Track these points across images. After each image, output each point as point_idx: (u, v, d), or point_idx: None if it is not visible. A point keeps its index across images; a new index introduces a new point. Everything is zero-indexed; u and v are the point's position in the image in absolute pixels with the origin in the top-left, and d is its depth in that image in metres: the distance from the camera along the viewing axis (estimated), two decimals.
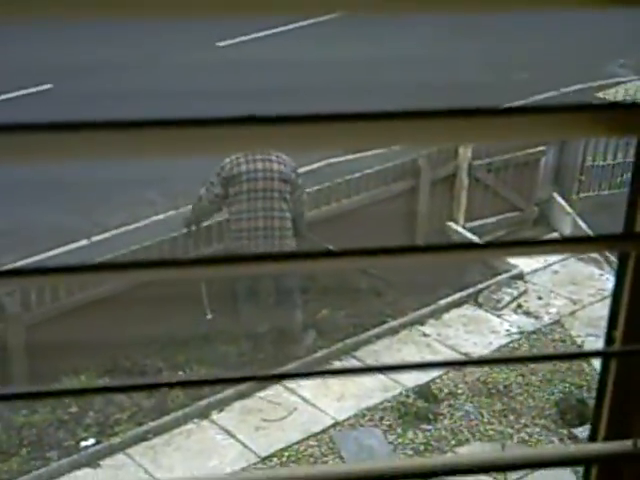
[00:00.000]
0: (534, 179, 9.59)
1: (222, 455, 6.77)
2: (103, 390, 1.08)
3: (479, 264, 8.83)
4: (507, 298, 8.48)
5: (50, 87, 11.87)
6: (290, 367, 7.52)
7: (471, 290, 8.48)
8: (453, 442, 6.97)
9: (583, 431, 7.02)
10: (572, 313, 8.36)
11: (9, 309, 7.13)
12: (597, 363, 7.60)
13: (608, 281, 8.58)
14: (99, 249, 8.44)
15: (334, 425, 7.08)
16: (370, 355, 7.80)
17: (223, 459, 6.73)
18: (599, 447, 1.16)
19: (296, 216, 7.68)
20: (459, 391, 7.46)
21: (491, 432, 7.08)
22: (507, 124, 0.92)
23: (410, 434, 7.03)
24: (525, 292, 8.56)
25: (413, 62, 12.00)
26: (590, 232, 9.14)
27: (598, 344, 7.74)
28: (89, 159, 0.86)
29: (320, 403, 7.26)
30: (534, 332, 8.12)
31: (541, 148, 9.50)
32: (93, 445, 6.75)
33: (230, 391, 7.21)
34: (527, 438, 7.04)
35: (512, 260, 8.87)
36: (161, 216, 9.27)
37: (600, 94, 11.60)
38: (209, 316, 7.69)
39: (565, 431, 7.10)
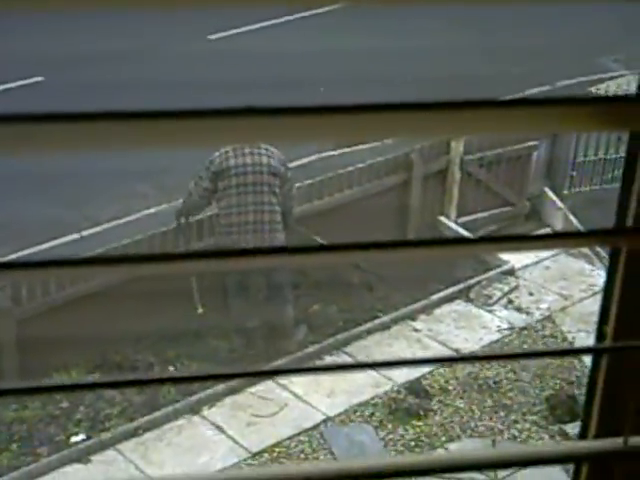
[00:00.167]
0: (526, 174, 9.59)
1: (213, 451, 6.76)
2: (94, 386, 1.06)
3: (470, 259, 8.82)
4: (498, 294, 8.48)
5: (42, 79, 11.82)
6: (281, 362, 7.52)
7: (462, 285, 8.48)
8: (444, 438, 6.97)
9: (574, 427, 7.02)
10: (563, 309, 8.36)
11: (0, 303, 7.11)
12: (588, 359, 7.60)
13: (599, 277, 8.59)
14: (90, 243, 8.41)
15: (325, 421, 7.07)
16: (361, 350, 7.79)
17: (214, 455, 6.72)
18: (589, 445, 1.15)
19: (285, 210, 7.67)
20: (450, 387, 7.46)
21: (482, 428, 7.08)
22: (504, 116, 0.91)
23: (401, 430, 7.03)
24: (516, 288, 8.56)
25: (410, 54, 11.98)
26: (581, 227, 9.15)
27: (589, 340, 7.75)
28: (84, 150, 0.85)
29: (311, 399, 7.25)
30: (525, 328, 8.12)
31: (533, 143, 9.50)
32: (84, 440, 6.74)
33: (221, 386, 7.19)
34: (517, 434, 7.04)
35: (503, 256, 8.87)
36: (153, 210, 9.25)
37: (593, 88, 11.61)
38: (200, 310, 7.67)
39: (555, 427, 7.10)
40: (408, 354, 7.79)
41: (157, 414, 6.94)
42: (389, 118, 0.88)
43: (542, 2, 0.92)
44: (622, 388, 1.12)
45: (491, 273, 8.65)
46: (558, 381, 7.57)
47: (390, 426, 7.06)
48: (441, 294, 8.37)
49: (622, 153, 9.67)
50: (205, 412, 7.10)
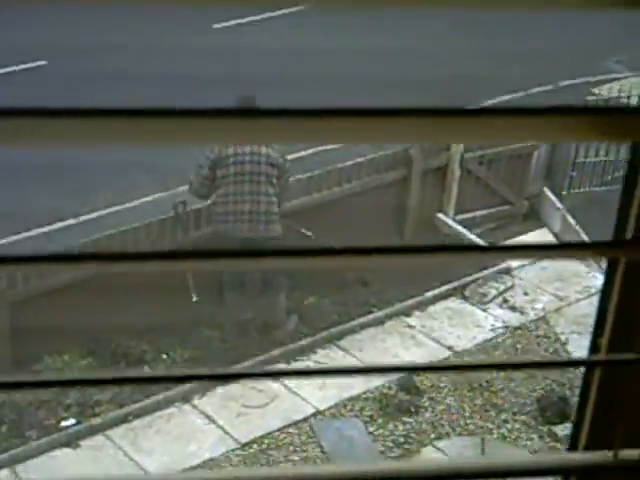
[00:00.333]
0: (525, 173, 9.57)
1: (201, 440, 6.75)
2: (84, 382, 1.05)
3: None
4: (493, 292, 8.47)
5: (44, 64, 11.78)
6: (274, 353, 7.52)
7: (458, 283, 8.47)
8: (433, 435, 6.97)
9: (563, 429, 7.02)
10: (557, 310, 8.35)
11: None
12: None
13: (595, 278, 8.58)
14: (87, 229, 8.40)
15: (315, 414, 7.07)
16: (354, 345, 7.79)
17: (202, 444, 6.72)
18: (579, 457, 1.13)
19: (281, 201, 7.66)
20: (441, 384, 7.45)
21: (471, 426, 7.08)
22: (505, 125, 0.90)
23: (390, 426, 7.02)
24: (512, 287, 8.56)
25: (413, 54, 11.96)
26: (579, 229, 9.14)
27: (582, 341, 7.74)
28: (89, 145, 0.84)
29: (302, 391, 7.24)
30: (519, 327, 8.12)
31: (533, 142, 9.47)
32: (73, 425, 6.73)
33: None
34: (507, 434, 7.04)
35: None
36: (150, 198, 9.22)
37: (596, 89, 11.59)
38: (195, 298, 7.65)
39: (545, 428, 7.10)
40: (401, 350, 7.78)
41: (148, 401, 6.94)
42: (393, 122, 0.87)
43: (547, 9, 0.91)
44: (614, 401, 1.11)
45: (487, 272, 8.64)
46: (549, 382, 7.56)
47: (380, 421, 7.06)
48: (436, 291, 8.36)
49: (622, 155, 9.66)
50: (196, 401, 7.10)
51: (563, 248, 1.01)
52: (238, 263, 1.02)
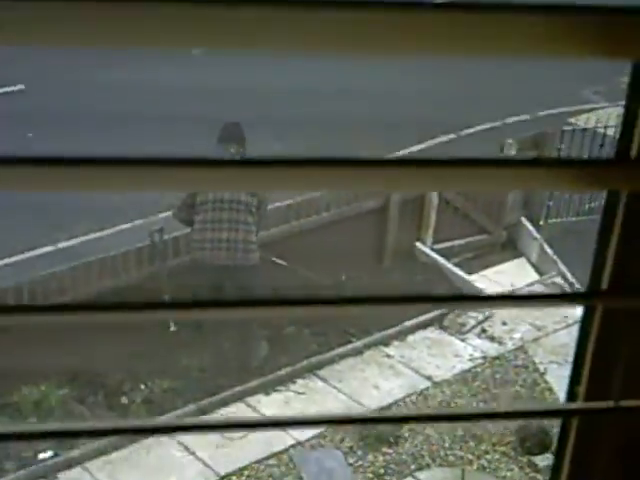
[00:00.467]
0: (503, 203, 9.62)
1: (181, 473, 6.70)
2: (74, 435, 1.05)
3: (445, 286, 8.83)
4: (472, 322, 8.48)
5: (23, 87, 11.77)
6: (253, 384, 7.49)
7: (436, 312, 8.47)
8: (413, 466, 6.95)
9: (543, 459, 7.03)
10: (536, 339, 8.37)
11: None
12: (559, 391, 7.62)
13: (573, 309, 8.61)
14: (65, 256, 8.36)
15: (295, 445, 7.04)
16: (334, 375, 7.77)
17: (182, 477, 6.67)
18: None
19: (260, 230, 7.67)
20: None
21: (451, 457, 7.07)
22: (493, 175, 0.91)
23: (370, 457, 7.00)
24: (490, 317, 8.57)
25: (395, 92, 12.03)
26: (556, 258, 9.18)
27: (560, 371, 7.76)
28: (80, 191, 0.84)
29: None
30: (497, 357, 8.13)
31: None
32: (51, 457, 6.67)
33: (191, 407, 7.15)
34: (487, 464, 7.03)
35: (479, 284, 8.89)
36: (128, 225, 9.20)
37: (573, 119, 11.68)
38: (172, 328, 7.64)
39: (525, 459, 7.10)
40: (380, 380, 7.77)
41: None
42: (389, 173, 0.88)
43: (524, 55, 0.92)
44: (592, 451, 1.11)
45: None
46: None
47: (360, 452, 7.03)
48: (415, 321, 8.37)
49: None
50: None
51: (540, 298, 1.02)
52: (220, 312, 1.02)
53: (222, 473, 6.73)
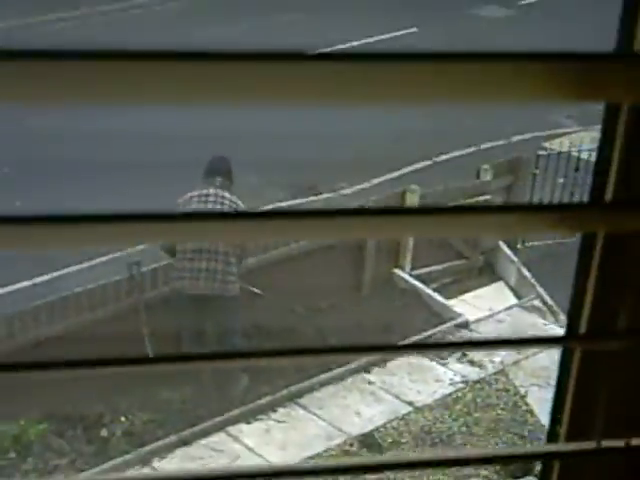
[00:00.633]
0: None
1: None
2: None
3: (424, 312, 8.85)
4: None
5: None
6: (234, 413, 7.47)
7: (416, 338, 8.48)
8: None
9: None
10: (516, 363, 8.39)
11: None
12: (541, 413, 7.64)
13: (552, 331, 8.65)
14: (43, 290, 8.33)
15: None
16: (314, 402, 7.76)
17: None
18: None
19: (241, 261, 7.68)
20: (403, 440, 7.44)
21: None
22: (477, 222, 0.92)
23: None
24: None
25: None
26: (534, 281, 9.22)
27: (541, 394, 7.79)
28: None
29: (263, 451, 7.19)
30: (478, 381, 8.14)
31: (487, 197, 9.58)
32: None
33: (172, 438, 7.12)
34: None
35: (457, 308, 8.91)
36: (105, 258, 9.17)
37: (547, 144, 11.77)
38: None
39: None
40: (362, 407, 7.77)
41: (106, 466, 6.84)
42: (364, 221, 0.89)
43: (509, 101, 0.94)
44: None
45: (445, 326, 8.68)
46: (510, 435, 7.59)
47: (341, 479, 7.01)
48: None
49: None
50: (155, 464, 7.02)
51: (520, 342, 1.04)
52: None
53: None
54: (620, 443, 1.05)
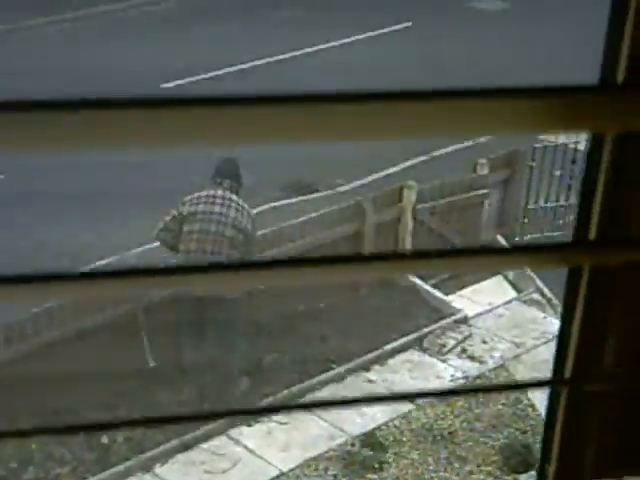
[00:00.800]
0: (478, 222, 9.65)
1: None
2: None
3: (424, 309, 8.83)
4: (452, 342, 8.49)
5: None
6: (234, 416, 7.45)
7: (416, 334, 8.47)
8: None
9: (528, 477, 7.03)
10: (516, 357, 8.38)
11: None
12: (542, 407, 7.62)
13: (551, 324, 8.64)
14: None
15: (279, 476, 7.00)
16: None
17: None
18: None
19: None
20: (404, 439, 7.43)
21: None
22: (484, 262, 0.90)
23: None
24: (469, 336, 8.58)
25: None
26: (533, 275, 9.20)
27: (541, 390, 7.77)
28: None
29: (265, 453, 7.18)
30: (478, 377, 8.13)
31: (484, 191, 9.57)
32: None
33: (174, 442, 7.10)
34: None
35: (456, 304, 8.90)
36: (104, 261, 9.15)
37: (543, 136, 11.73)
38: (151, 364, 7.59)
39: (510, 478, 7.09)
40: (363, 405, 7.75)
41: (108, 473, 6.83)
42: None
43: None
44: None
45: (444, 322, 8.66)
46: (512, 430, 7.58)
47: None
48: (395, 344, 8.36)
49: (572, 200, 9.77)
50: (157, 469, 7.00)
51: (506, 387, 1.01)
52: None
53: None
54: None
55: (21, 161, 10.29)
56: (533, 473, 7.12)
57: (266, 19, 14.99)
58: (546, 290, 9.07)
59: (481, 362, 8.32)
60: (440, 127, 0.80)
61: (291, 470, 7.06)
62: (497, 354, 8.42)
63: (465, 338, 8.57)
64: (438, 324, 8.62)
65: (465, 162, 9.89)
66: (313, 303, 8.46)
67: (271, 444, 7.27)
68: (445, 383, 8.05)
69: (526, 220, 9.86)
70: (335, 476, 7.04)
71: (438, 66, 12.89)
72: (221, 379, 7.62)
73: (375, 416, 7.63)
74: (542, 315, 8.92)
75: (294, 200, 10.40)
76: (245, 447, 7.23)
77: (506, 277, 9.46)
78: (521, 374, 8.18)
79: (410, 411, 7.71)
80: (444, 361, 8.31)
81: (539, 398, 7.76)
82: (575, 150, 9.75)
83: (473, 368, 8.24)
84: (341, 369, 8.04)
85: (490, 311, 8.93)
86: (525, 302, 9.09)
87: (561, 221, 9.97)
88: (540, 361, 8.19)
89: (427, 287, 9.03)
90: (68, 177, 10.31)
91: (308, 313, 8.35)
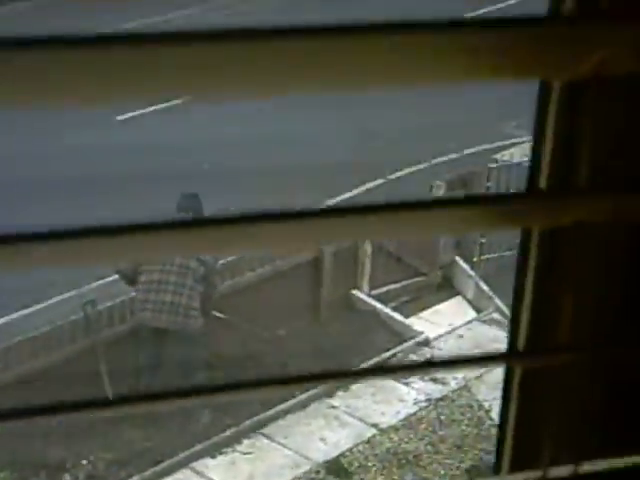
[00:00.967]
0: (436, 243, 9.67)
1: None
2: None
3: (384, 332, 8.84)
4: None
5: None
6: (198, 447, 7.40)
7: (378, 359, 8.46)
8: None
9: None
10: (478, 377, 8.39)
11: None
12: None
13: None
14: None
15: None
16: (280, 431, 7.71)
17: None
18: None
19: (206, 298, 7.64)
20: (369, 464, 7.40)
21: None
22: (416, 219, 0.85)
23: None
24: (431, 358, 8.58)
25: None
26: (492, 294, 9.24)
27: None
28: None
29: None
30: (441, 399, 8.13)
31: None
32: None
33: (135, 479, 7.03)
34: None
35: (417, 326, 8.91)
36: (60, 297, 9.06)
37: (498, 155, 11.80)
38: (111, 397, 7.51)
39: None
40: (327, 432, 7.73)
41: None
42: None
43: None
44: None
45: (406, 345, 8.66)
46: (477, 452, 7.58)
47: None
48: (357, 368, 8.33)
49: None
50: None
51: (461, 362, 0.99)
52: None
53: None
54: (568, 470, 0.99)
55: None
56: None
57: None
58: (505, 309, 9.10)
59: (444, 384, 8.33)
60: (366, 68, 0.69)
61: None
62: (459, 375, 8.42)
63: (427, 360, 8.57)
64: (400, 347, 8.63)
65: (421, 184, 9.92)
66: (273, 330, 8.43)
67: (236, 475, 7.22)
68: (408, 406, 8.05)
69: (484, 240, 9.91)
70: None
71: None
72: (181, 412, 7.56)
73: (339, 442, 7.61)
74: (503, 334, 8.94)
75: None
76: (209, 479, 7.17)
77: (465, 297, 9.48)
78: (483, 394, 8.19)
79: (374, 435, 7.70)
80: (407, 384, 8.30)
81: None
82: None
83: (436, 390, 8.24)
84: (303, 396, 8.01)
85: (451, 332, 8.95)
86: (485, 322, 9.12)
87: (518, 239, 10.00)
88: (502, 380, 8.20)
89: (387, 310, 9.04)
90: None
91: (268, 340, 8.32)
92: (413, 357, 8.57)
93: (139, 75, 0.63)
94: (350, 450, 7.51)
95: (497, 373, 8.41)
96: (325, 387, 8.12)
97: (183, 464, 7.24)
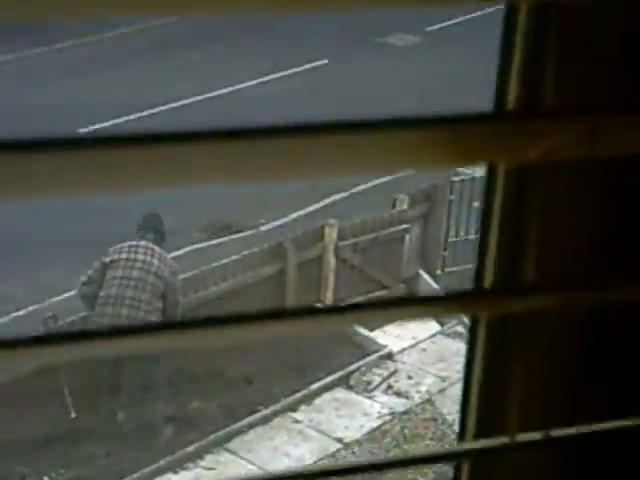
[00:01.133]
0: (399, 257, 9.70)
1: None
2: None
3: (348, 345, 8.83)
4: (377, 379, 8.49)
5: None
6: (161, 463, 7.35)
7: (342, 372, 8.47)
8: None
9: None
10: (442, 391, 8.42)
11: None
12: None
13: None
14: None
15: None
16: (243, 446, 7.68)
17: None
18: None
19: (169, 316, 7.59)
20: (334, 479, 7.38)
21: None
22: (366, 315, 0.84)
23: None
24: (395, 372, 8.60)
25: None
26: None
27: None
28: None
29: None
30: (405, 412, 8.14)
31: (405, 226, 9.63)
32: None
33: None
34: None
35: (381, 340, 8.91)
36: (22, 312, 8.99)
37: (461, 169, 11.87)
38: (73, 415, 7.46)
39: None
40: (290, 447, 7.71)
41: None
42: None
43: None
44: None
45: (369, 358, 8.67)
46: (441, 465, 7.58)
47: None
48: (321, 383, 8.34)
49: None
50: None
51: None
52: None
53: None
54: (538, 436, 0.92)
55: None
56: None
57: (165, 63, 14.84)
58: (469, 322, 9.13)
59: (407, 398, 8.34)
60: (319, 164, 0.72)
61: None
62: (423, 388, 8.45)
63: (391, 374, 8.58)
64: (363, 361, 8.63)
65: (384, 197, 9.95)
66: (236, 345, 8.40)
67: None
68: (372, 420, 8.05)
69: (447, 253, 9.95)
70: None
71: (354, 101, 12.98)
72: (144, 427, 7.51)
73: (303, 457, 7.59)
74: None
75: (215, 242, 10.35)
76: None
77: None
78: (448, 408, 8.21)
79: (338, 450, 7.69)
80: (370, 398, 8.31)
81: None
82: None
83: (400, 404, 8.25)
84: (267, 411, 7.99)
85: (414, 346, 8.96)
86: (449, 335, 9.14)
87: None
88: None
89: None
90: None
91: (231, 355, 8.28)
92: (377, 371, 8.58)
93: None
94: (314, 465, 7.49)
95: (459, 387, 8.43)
96: (288, 401, 8.11)
97: None
